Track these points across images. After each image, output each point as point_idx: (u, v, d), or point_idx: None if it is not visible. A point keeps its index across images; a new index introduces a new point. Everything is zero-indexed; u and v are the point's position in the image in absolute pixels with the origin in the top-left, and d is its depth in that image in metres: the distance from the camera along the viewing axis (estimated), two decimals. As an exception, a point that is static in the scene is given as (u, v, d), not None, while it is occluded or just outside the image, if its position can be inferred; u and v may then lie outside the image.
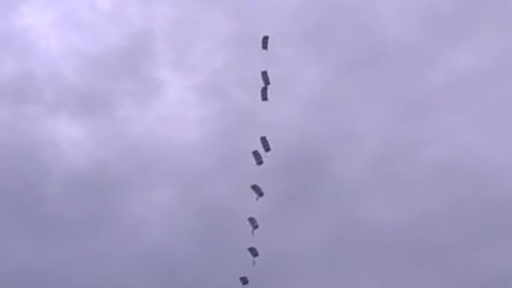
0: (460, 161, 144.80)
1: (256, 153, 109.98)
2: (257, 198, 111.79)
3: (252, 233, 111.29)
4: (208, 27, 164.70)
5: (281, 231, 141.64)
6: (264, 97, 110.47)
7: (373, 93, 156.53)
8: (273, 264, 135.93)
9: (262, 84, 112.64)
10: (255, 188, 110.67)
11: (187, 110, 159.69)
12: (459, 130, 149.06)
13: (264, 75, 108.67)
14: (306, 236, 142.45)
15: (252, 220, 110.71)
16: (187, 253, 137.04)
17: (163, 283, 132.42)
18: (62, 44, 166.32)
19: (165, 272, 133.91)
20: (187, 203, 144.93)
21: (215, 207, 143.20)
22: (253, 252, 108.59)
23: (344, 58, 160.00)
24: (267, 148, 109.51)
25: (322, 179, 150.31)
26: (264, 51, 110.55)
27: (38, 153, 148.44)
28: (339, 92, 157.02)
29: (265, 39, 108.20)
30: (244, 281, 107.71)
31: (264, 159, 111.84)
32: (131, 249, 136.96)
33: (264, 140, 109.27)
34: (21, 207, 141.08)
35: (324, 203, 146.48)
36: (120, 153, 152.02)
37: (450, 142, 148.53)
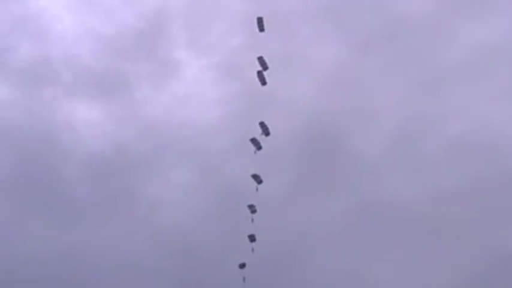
0: (479, 135, 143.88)
1: (254, 140, 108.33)
2: (257, 188, 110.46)
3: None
4: (224, 7, 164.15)
5: (301, 209, 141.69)
6: (263, 82, 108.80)
7: (390, 69, 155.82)
8: (294, 242, 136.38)
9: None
10: (255, 177, 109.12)
11: (205, 90, 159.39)
12: (478, 105, 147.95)
13: (261, 60, 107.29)
14: (325, 213, 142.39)
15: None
16: (205, 233, 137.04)
17: (182, 263, 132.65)
18: (77, 26, 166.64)
19: (184, 253, 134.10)
20: (206, 184, 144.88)
21: (233, 187, 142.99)
22: (252, 238, 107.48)
23: (361, 34, 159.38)
24: (266, 133, 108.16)
25: (341, 156, 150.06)
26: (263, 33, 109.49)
27: (56, 136, 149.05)
28: (357, 69, 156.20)
29: (260, 21, 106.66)
30: (241, 266, 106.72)
31: (263, 143, 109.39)
32: (150, 230, 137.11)
33: (263, 125, 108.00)
34: (40, 190, 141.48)
35: (343, 180, 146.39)
36: (138, 135, 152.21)
37: (469, 117, 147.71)
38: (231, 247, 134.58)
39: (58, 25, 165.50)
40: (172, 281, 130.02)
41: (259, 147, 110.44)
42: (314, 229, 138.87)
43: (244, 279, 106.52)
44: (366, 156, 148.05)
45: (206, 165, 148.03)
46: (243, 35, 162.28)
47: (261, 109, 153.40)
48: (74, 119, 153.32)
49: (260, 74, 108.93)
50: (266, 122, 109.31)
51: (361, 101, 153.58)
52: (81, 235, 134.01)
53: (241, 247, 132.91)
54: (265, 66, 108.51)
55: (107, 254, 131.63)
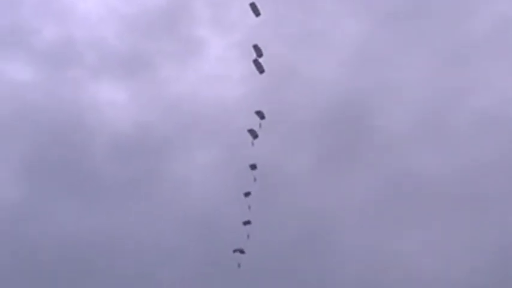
0: (507, 109, 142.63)
1: (252, 131, 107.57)
2: (253, 143, 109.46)
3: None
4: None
5: (326, 188, 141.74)
6: (261, 70, 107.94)
7: (415, 44, 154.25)
8: (319, 221, 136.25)
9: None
10: (251, 132, 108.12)
11: (229, 68, 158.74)
12: (505, 77, 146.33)
13: (256, 48, 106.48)
14: (351, 191, 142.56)
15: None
16: (231, 213, 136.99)
17: (209, 243, 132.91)
18: (100, 6, 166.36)
19: (210, 232, 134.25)
20: (231, 163, 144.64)
21: (259, 165, 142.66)
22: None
23: (385, 9, 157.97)
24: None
25: (367, 133, 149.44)
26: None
27: (81, 117, 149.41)
28: (381, 44, 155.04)
29: (253, 5, 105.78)
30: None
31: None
32: (176, 211, 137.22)
33: (259, 113, 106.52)
34: (66, 172, 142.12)
35: (369, 157, 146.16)
36: (163, 114, 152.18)
37: (496, 90, 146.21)
38: (258, 226, 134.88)
39: (81, 6, 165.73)
40: (198, 261, 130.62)
41: (255, 136, 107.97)
42: (339, 207, 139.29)
43: (239, 265, 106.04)
44: (391, 133, 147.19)
45: (231, 144, 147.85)
46: (266, 11, 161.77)
47: (284, 87, 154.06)
48: (99, 100, 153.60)
49: (256, 62, 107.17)
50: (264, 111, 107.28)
51: (386, 76, 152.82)
52: (107, 216, 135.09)
53: (268, 225, 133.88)
54: (260, 53, 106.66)
55: (132, 234, 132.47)
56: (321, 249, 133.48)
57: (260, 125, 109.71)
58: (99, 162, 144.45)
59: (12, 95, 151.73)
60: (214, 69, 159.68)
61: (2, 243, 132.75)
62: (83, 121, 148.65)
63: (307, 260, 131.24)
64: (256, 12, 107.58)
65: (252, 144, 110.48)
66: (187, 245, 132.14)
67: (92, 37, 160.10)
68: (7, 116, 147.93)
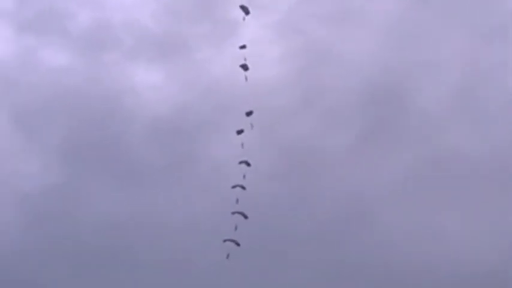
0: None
1: (240, 132, 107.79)
2: (244, 18, 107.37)
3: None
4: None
5: (365, 167, 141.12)
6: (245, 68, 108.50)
7: (451, 20, 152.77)
8: (358, 200, 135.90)
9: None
10: (243, 8, 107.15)
11: (265, 48, 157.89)
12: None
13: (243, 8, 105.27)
14: (390, 170, 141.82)
15: (243, 8, 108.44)
16: (270, 193, 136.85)
17: (249, 225, 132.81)
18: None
19: (250, 214, 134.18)
20: (269, 143, 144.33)
21: (297, 146, 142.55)
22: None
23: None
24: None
25: (405, 111, 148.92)
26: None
27: (118, 100, 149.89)
28: (417, 21, 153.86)
29: (243, 7, 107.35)
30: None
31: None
32: (214, 192, 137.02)
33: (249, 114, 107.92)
34: (104, 155, 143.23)
35: (407, 135, 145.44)
36: (200, 96, 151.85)
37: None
38: (297, 206, 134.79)
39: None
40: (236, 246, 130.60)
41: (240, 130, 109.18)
42: (378, 187, 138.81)
43: (227, 256, 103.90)
44: (429, 111, 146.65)
45: (269, 124, 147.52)
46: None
47: (321, 65, 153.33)
48: (136, 83, 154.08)
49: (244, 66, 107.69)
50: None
51: (423, 53, 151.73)
52: (146, 199, 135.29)
53: (308, 205, 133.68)
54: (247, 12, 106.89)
55: (172, 217, 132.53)
56: (360, 229, 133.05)
57: (252, 126, 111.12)
58: (137, 145, 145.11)
59: (50, 80, 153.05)
60: (249, 50, 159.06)
61: (44, 226, 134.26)
62: (120, 104, 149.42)
63: (346, 240, 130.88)
64: (246, 11, 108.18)
65: (242, 146, 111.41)
66: (228, 228, 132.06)
67: (128, 20, 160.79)
68: (46, 101, 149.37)
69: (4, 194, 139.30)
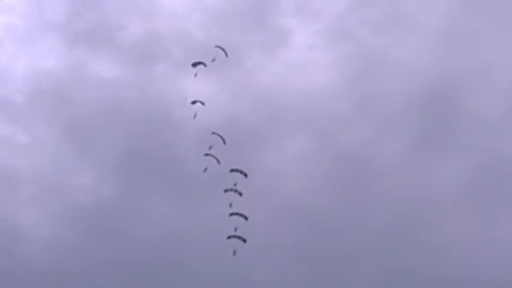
0: None
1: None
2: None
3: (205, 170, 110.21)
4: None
5: (421, 173, 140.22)
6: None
7: (504, 24, 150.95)
8: (416, 206, 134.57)
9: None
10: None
11: (316, 55, 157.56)
12: None
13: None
14: (446, 175, 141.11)
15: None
16: (327, 202, 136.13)
17: (306, 234, 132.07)
18: (186, 0, 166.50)
19: (307, 223, 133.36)
20: (323, 151, 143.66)
21: (351, 153, 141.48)
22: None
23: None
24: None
25: (458, 115, 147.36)
26: None
27: (170, 112, 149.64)
28: (469, 25, 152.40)
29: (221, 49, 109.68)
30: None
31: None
32: (269, 202, 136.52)
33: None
34: (156, 167, 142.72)
35: (462, 140, 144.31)
36: (252, 106, 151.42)
37: None
38: (356, 214, 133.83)
39: (166, 0, 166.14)
40: (296, 255, 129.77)
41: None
42: (435, 193, 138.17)
43: (234, 252, 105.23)
44: (484, 115, 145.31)
45: (322, 132, 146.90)
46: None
47: (373, 72, 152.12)
48: (187, 93, 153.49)
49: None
50: None
51: (476, 58, 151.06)
52: (199, 211, 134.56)
53: (368, 212, 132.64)
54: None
55: (225, 229, 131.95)
56: (417, 237, 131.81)
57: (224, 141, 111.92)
58: (189, 156, 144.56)
59: (102, 93, 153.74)
60: (300, 58, 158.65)
61: (98, 238, 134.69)
62: (171, 115, 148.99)
63: (403, 248, 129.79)
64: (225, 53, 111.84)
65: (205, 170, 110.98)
66: (285, 239, 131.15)
67: (178, 31, 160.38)
68: (98, 114, 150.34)
69: (58, 207, 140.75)
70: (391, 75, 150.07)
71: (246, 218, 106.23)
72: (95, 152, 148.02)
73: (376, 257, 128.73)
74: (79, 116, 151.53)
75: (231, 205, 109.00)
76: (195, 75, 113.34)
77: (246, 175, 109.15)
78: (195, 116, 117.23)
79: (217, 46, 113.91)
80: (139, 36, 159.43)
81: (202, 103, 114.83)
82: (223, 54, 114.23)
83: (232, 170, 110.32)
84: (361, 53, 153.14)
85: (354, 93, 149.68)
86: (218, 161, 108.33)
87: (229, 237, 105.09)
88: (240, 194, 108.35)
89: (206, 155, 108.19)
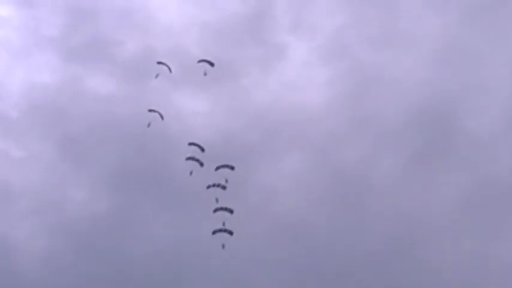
0: None
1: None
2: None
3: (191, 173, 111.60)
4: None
5: (416, 190, 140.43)
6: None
7: (500, 41, 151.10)
8: (410, 224, 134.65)
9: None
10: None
11: (312, 72, 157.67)
12: None
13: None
14: (441, 193, 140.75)
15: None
16: (323, 218, 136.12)
17: (302, 250, 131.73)
18: (181, 16, 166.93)
19: (303, 239, 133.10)
20: (319, 168, 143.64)
21: (347, 170, 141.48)
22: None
23: (467, 4, 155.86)
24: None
25: (454, 133, 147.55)
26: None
27: (165, 128, 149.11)
28: (465, 42, 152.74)
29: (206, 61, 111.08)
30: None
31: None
32: (265, 218, 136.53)
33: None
34: (151, 183, 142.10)
35: (457, 158, 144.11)
36: (248, 122, 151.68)
37: None
38: (351, 231, 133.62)
39: (162, 16, 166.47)
40: (291, 271, 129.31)
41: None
42: (431, 210, 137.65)
43: (223, 246, 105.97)
44: (480, 134, 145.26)
45: (318, 149, 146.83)
46: (347, 13, 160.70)
47: (369, 89, 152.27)
48: (183, 110, 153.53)
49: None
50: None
51: (472, 76, 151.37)
52: (194, 228, 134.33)
53: (362, 230, 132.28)
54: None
55: (219, 245, 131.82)
56: (412, 253, 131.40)
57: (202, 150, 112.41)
58: (184, 173, 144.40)
59: (97, 108, 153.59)
60: (296, 75, 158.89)
61: (92, 254, 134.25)
62: (167, 132, 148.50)
63: (398, 264, 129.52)
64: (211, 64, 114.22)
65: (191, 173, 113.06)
66: (282, 256, 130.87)
67: (174, 47, 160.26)
68: (93, 129, 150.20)
69: (53, 221, 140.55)
70: (387, 92, 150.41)
71: (231, 211, 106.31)
72: (90, 167, 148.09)
73: (372, 273, 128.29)
74: (74, 131, 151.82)
75: (217, 200, 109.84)
76: (156, 76, 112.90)
77: (232, 168, 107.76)
78: (149, 125, 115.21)
79: (200, 61, 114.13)
80: (135, 52, 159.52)
81: (161, 116, 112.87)
82: (211, 66, 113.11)
83: (217, 168, 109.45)
84: (358, 70, 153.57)
85: (350, 110, 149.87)
86: (201, 164, 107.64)
87: (214, 232, 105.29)
88: (224, 187, 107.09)
89: (188, 158, 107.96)
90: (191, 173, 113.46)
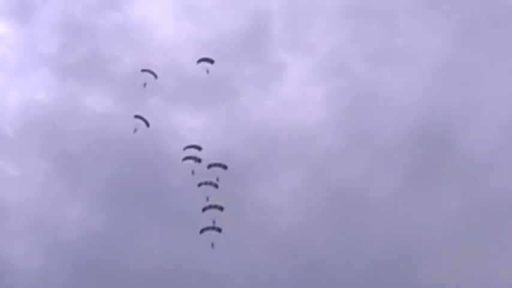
0: None
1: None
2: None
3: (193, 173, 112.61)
4: (324, 4, 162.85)
5: (414, 208, 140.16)
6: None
7: (499, 59, 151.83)
8: (407, 242, 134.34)
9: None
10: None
11: (310, 90, 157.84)
12: None
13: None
14: (439, 211, 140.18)
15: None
16: (320, 237, 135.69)
17: (300, 269, 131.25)
18: (178, 32, 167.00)
19: (300, 258, 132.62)
20: (316, 187, 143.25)
21: (345, 188, 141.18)
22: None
23: (465, 22, 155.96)
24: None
25: (451, 151, 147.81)
26: None
27: (162, 145, 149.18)
28: (463, 60, 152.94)
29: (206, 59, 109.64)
30: None
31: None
32: (263, 237, 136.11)
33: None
34: (148, 201, 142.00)
35: (456, 176, 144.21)
36: (245, 140, 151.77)
37: None
38: (348, 250, 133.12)
39: (159, 33, 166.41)
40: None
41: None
42: (429, 228, 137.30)
43: (212, 245, 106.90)
44: (478, 151, 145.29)
45: (316, 168, 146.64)
46: (345, 31, 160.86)
47: (367, 107, 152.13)
48: (180, 127, 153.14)
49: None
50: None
51: (471, 93, 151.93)
52: (193, 245, 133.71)
53: (358, 249, 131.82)
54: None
55: (219, 263, 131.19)
56: (409, 273, 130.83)
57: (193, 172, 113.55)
58: (182, 190, 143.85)
59: (93, 126, 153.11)
60: (294, 92, 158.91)
61: (89, 272, 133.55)
62: (164, 149, 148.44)
63: (396, 284, 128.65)
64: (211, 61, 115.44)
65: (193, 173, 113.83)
66: (279, 275, 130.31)
67: (171, 64, 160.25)
68: (90, 147, 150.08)
69: (49, 240, 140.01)
70: (385, 110, 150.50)
71: (221, 208, 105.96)
72: (86, 185, 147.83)
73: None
74: (70, 149, 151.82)
75: (207, 199, 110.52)
76: (144, 84, 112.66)
77: (225, 167, 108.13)
78: (135, 131, 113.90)
79: (200, 60, 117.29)
80: (132, 69, 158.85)
81: (147, 123, 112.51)
82: (210, 64, 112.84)
83: (210, 166, 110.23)
84: (356, 88, 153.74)
85: (347, 129, 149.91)
86: (199, 160, 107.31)
87: (202, 231, 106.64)
88: (216, 186, 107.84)
89: (185, 159, 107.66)
90: (193, 172, 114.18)
